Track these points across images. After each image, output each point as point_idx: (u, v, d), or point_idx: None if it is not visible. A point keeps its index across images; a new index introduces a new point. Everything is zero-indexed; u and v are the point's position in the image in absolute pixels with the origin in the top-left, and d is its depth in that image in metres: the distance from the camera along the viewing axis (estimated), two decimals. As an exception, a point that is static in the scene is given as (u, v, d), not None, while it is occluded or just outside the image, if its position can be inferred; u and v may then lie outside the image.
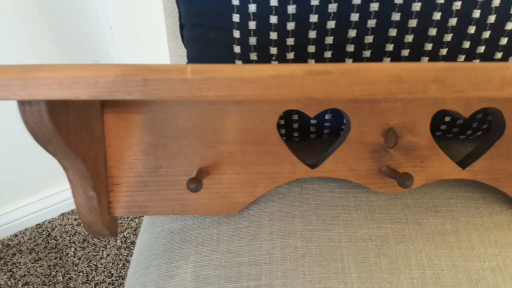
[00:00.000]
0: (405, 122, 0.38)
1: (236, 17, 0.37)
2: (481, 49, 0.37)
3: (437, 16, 0.35)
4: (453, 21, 0.35)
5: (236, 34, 0.38)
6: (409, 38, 0.36)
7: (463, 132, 0.46)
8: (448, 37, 0.37)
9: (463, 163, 0.40)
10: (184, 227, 0.42)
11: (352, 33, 0.36)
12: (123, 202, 0.39)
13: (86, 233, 0.89)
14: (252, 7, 0.36)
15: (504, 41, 0.37)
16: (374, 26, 0.36)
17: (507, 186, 0.39)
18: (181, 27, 0.44)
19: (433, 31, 0.36)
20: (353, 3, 0.34)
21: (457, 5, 0.35)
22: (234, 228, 0.40)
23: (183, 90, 0.24)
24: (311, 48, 0.37)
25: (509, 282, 0.35)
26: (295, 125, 0.44)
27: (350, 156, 0.39)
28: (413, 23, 0.35)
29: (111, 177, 0.39)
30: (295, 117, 0.43)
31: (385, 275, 0.35)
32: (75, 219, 1.00)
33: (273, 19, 0.36)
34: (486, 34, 0.36)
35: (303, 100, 0.23)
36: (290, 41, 0.37)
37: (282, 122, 0.43)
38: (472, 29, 0.36)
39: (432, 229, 0.38)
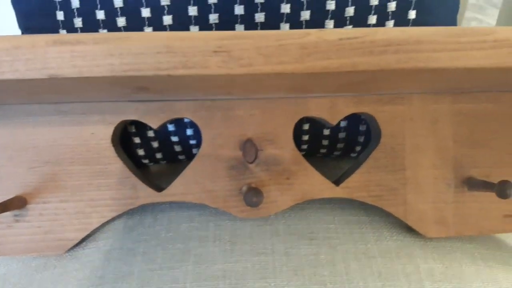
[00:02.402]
0: (264, 132, 0.33)
1: (60, 15, 0.32)
2: (350, 11, 0.33)
3: None
4: None
5: (63, 33, 0.33)
6: None
7: (352, 148, 0.41)
8: None
9: (339, 180, 0.35)
10: (5, 273, 0.34)
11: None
12: None
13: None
14: (76, 2, 0.31)
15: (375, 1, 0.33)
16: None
17: (392, 204, 0.35)
18: (22, 33, 0.39)
19: None
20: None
21: None
22: (60, 273, 0.32)
23: None
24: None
25: (390, 322, 0.29)
26: (154, 144, 0.38)
27: (204, 174, 0.33)
28: None
29: None
30: (151, 133, 0.37)
31: (236, 322, 0.28)
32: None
33: (100, 15, 0.32)
34: None
35: (50, 80, 0.18)
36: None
37: (138, 140, 0.38)
38: None
39: (302, 261, 0.32)
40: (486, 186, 0.32)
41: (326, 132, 0.39)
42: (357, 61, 0.20)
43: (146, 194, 0.33)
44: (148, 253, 0.33)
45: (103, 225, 0.35)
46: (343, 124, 0.38)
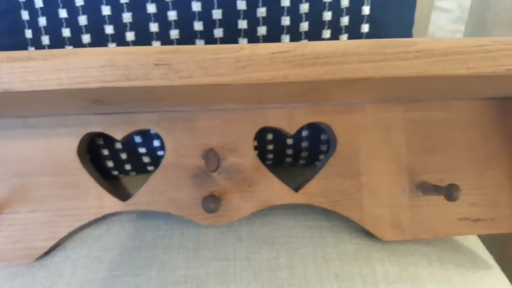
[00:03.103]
0: (226, 142, 0.35)
1: (28, 33, 0.34)
2: (305, 26, 0.34)
3: None
4: None
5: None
6: (218, 13, 0.33)
7: (316, 157, 0.43)
8: (262, 12, 0.33)
9: (299, 187, 0.36)
10: (-25, 284, 0.35)
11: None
12: None
13: None
14: (42, 21, 0.33)
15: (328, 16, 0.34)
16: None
17: (349, 209, 0.36)
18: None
19: (242, 4, 0.33)
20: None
21: None
22: (29, 281, 0.33)
23: None
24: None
25: (344, 322, 0.30)
26: (123, 155, 0.39)
27: (168, 183, 0.34)
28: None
29: None
30: (118, 145, 0.38)
31: (196, 325, 0.29)
32: None
33: (66, 32, 0.33)
34: (305, 7, 0.34)
35: (4, 94, 0.19)
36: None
37: (106, 152, 0.39)
38: (286, 1, 0.33)
39: (262, 265, 0.33)
40: (436, 190, 0.34)
41: (290, 141, 0.40)
42: (288, 73, 0.21)
43: (111, 203, 0.34)
44: (114, 261, 0.33)
45: (72, 234, 0.36)
46: (304, 133, 0.40)
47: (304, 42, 0.21)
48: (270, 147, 0.41)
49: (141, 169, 0.41)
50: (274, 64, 0.21)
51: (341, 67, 0.21)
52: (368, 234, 0.37)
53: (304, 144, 0.41)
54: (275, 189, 0.35)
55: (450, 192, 0.32)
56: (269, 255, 0.34)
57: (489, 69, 0.22)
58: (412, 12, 0.41)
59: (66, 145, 0.33)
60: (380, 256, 0.35)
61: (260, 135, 0.39)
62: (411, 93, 0.32)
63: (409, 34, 0.41)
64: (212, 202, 0.30)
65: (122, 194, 0.36)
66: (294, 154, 0.42)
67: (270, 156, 0.42)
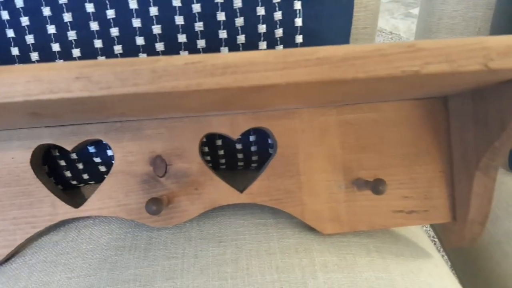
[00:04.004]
0: (172, 148, 0.36)
1: (15, 50, 0.35)
2: (242, 38, 0.36)
3: (176, 2, 0.34)
4: (197, 7, 0.34)
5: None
6: (158, 28, 0.35)
7: (266, 160, 0.44)
8: (200, 26, 0.35)
9: (244, 187, 0.38)
10: None
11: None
12: None
13: None
14: (30, 38, 0.34)
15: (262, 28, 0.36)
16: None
17: (291, 206, 0.37)
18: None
19: (180, 19, 0.35)
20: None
21: None
22: (-14, 287, 0.34)
23: None
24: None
25: (282, 310, 0.32)
26: (79, 165, 0.40)
27: (118, 189, 0.36)
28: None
29: None
30: (74, 155, 0.39)
31: (142, 320, 0.30)
32: None
33: (55, 47, 0.34)
34: (240, 21, 0.35)
35: None
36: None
37: (63, 163, 0.40)
38: (222, 16, 0.35)
39: (209, 261, 0.35)
40: (367, 185, 0.36)
41: (239, 146, 0.42)
42: (201, 82, 0.23)
43: (64, 210, 0.35)
44: (68, 264, 0.34)
45: (31, 241, 0.37)
46: (252, 138, 0.41)
47: (216, 53, 0.23)
48: (221, 152, 0.42)
49: (99, 178, 0.42)
50: (187, 73, 0.23)
51: (249, 75, 0.23)
52: (310, 229, 0.39)
53: (253, 148, 0.42)
54: (221, 191, 0.37)
55: (376, 187, 0.33)
56: (215, 252, 0.35)
57: (386, 72, 0.24)
58: (347, 22, 0.43)
59: (19, 157, 0.34)
60: (320, 248, 0.37)
61: (210, 142, 0.41)
62: (341, 98, 0.34)
63: (346, 42, 0.43)
64: (154, 205, 0.31)
65: (80, 202, 0.37)
66: (245, 158, 0.43)
67: (223, 161, 0.43)
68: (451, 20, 0.60)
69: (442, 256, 0.67)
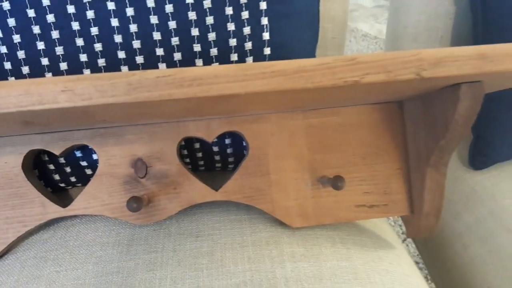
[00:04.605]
0: (152, 152, 0.39)
1: (7, 65, 0.37)
2: (214, 51, 0.39)
3: (154, 19, 0.37)
4: (173, 24, 0.37)
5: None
6: (137, 43, 0.38)
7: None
8: (176, 41, 0.38)
9: (219, 187, 0.41)
10: None
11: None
12: None
13: None
14: (21, 54, 0.37)
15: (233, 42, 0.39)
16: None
17: (262, 202, 0.41)
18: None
19: (158, 35, 0.38)
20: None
21: (170, 8, 0.37)
22: (-19, 282, 0.37)
23: None
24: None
25: (252, 296, 0.35)
26: (67, 169, 0.43)
27: (102, 190, 0.39)
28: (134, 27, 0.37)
29: None
30: (62, 160, 0.42)
31: (126, 307, 0.33)
32: None
33: (44, 61, 0.37)
34: (213, 36, 0.39)
35: None
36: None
37: (52, 167, 0.43)
38: (196, 31, 0.38)
39: (186, 254, 0.38)
40: (329, 182, 0.39)
41: (216, 149, 0.45)
42: (171, 92, 0.26)
43: (53, 210, 0.38)
44: (57, 259, 0.37)
45: (23, 239, 0.40)
46: (228, 141, 0.45)
47: (184, 68, 0.26)
48: (199, 154, 0.45)
49: (85, 181, 0.45)
50: (159, 85, 0.26)
51: (213, 86, 0.26)
52: (281, 224, 0.42)
53: (229, 150, 0.46)
54: (198, 190, 0.40)
55: (336, 183, 0.37)
56: (193, 246, 0.38)
57: (331, 82, 0.27)
58: (313, 34, 0.46)
59: (12, 162, 0.37)
60: (289, 240, 0.40)
61: (189, 145, 0.44)
62: (306, 104, 0.37)
63: (312, 52, 0.47)
64: (134, 203, 0.34)
65: (67, 203, 0.40)
66: (222, 159, 0.47)
67: (201, 162, 0.47)
68: (415, 29, 0.64)
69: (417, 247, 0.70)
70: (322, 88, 0.28)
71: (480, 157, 0.56)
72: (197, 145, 0.44)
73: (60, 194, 0.46)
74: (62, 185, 0.44)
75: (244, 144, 0.46)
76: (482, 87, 0.32)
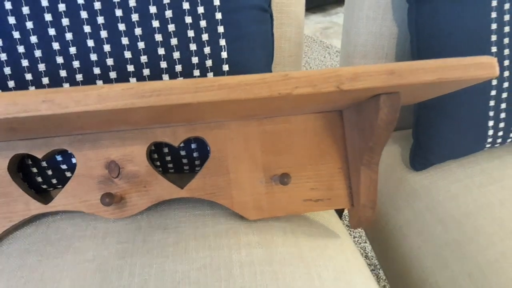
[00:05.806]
0: (124, 155, 0.44)
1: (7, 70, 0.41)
2: (179, 68, 0.44)
3: (125, 41, 0.42)
4: (142, 45, 0.42)
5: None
6: (111, 60, 0.42)
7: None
8: (145, 59, 0.43)
9: (185, 185, 0.46)
10: None
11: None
12: None
13: None
14: (7, 70, 0.41)
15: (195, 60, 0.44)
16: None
17: (223, 198, 0.46)
18: None
19: (128, 54, 0.43)
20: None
21: (139, 31, 0.42)
22: (-31, 272, 0.40)
23: None
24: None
25: (210, 278, 0.39)
26: (49, 172, 0.47)
27: (80, 189, 0.43)
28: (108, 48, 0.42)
29: None
30: (44, 163, 0.46)
31: (97, 287, 0.37)
32: None
33: (28, 77, 0.41)
34: (177, 54, 0.44)
35: None
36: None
37: (35, 170, 0.46)
38: (162, 51, 0.43)
39: (155, 244, 0.42)
40: (278, 179, 0.44)
41: (183, 153, 0.50)
42: (134, 101, 0.31)
43: (36, 207, 0.42)
44: (39, 250, 0.41)
45: (8, 234, 0.43)
46: (194, 146, 0.49)
47: (145, 81, 0.31)
48: (168, 158, 0.50)
49: (66, 183, 0.48)
50: (124, 96, 0.31)
51: (169, 96, 0.31)
52: (240, 217, 0.47)
53: (195, 154, 0.50)
54: (165, 188, 0.44)
55: (282, 179, 0.42)
56: (160, 237, 0.43)
57: (267, 94, 0.33)
58: (268, 53, 0.52)
59: (-2, 165, 0.41)
60: (246, 231, 0.45)
61: (159, 150, 0.49)
62: (259, 113, 0.42)
63: (268, 68, 0.52)
64: (107, 197, 0.39)
65: (49, 200, 0.44)
66: (189, 162, 0.51)
67: (170, 165, 0.51)
68: (364, 48, 0.70)
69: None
70: (261, 99, 0.33)
71: (420, 160, 0.62)
72: (166, 150, 0.49)
73: (42, 195, 0.49)
74: (44, 186, 0.48)
75: (209, 148, 0.50)
76: (398, 97, 0.38)
